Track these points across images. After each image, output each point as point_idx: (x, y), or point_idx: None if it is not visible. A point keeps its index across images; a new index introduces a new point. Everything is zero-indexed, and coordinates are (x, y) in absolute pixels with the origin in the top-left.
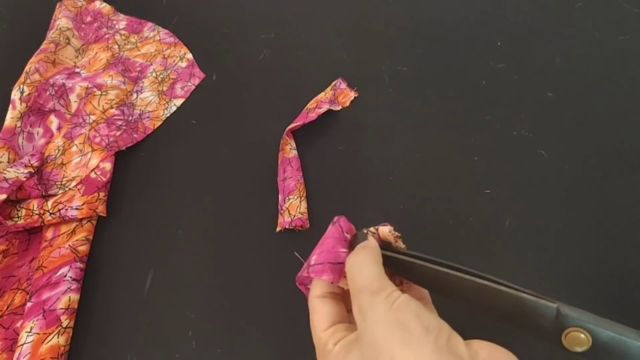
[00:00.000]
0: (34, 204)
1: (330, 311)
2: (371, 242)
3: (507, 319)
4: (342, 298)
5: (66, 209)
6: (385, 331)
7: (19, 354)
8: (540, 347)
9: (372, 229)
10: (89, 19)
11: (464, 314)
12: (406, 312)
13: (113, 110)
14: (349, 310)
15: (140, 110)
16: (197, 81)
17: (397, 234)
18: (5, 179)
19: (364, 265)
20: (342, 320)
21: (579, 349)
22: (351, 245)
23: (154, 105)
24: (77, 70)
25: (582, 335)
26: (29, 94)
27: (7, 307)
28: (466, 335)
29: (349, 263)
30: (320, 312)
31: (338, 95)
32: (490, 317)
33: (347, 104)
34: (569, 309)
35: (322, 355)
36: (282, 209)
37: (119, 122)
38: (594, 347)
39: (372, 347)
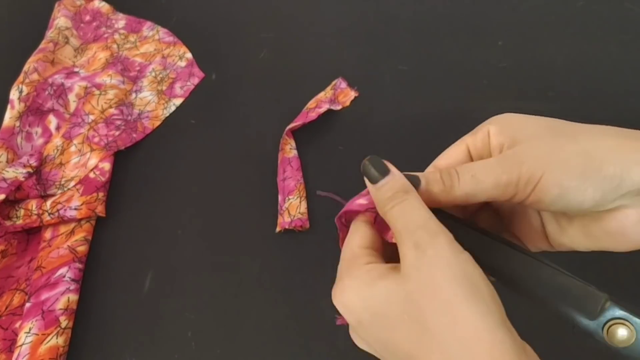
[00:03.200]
0: (33, 204)
1: (372, 235)
2: (405, 180)
3: (551, 302)
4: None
5: (65, 209)
6: (451, 277)
7: (18, 354)
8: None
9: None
10: (87, 18)
11: None
12: (476, 269)
13: (112, 110)
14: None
15: (139, 109)
16: (196, 81)
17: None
18: (4, 179)
19: (417, 206)
20: (377, 248)
21: (621, 344)
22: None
23: (153, 105)
24: (76, 69)
25: (627, 328)
26: (28, 93)
27: (6, 308)
28: None
29: (398, 206)
30: (364, 231)
31: (338, 94)
32: (531, 299)
33: (348, 103)
34: (617, 300)
35: (349, 265)
36: (282, 209)
37: (118, 122)
38: (637, 343)
39: (425, 286)
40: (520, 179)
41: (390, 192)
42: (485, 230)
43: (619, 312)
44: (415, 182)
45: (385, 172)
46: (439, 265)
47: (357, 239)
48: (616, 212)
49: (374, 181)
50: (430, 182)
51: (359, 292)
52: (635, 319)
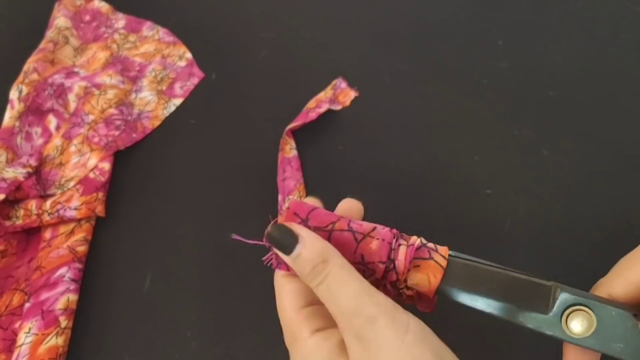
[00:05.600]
0: (32, 204)
1: (302, 290)
2: (323, 243)
3: (502, 302)
4: None
5: (64, 209)
6: None
7: (18, 354)
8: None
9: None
10: (87, 18)
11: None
12: (425, 348)
13: (112, 110)
14: None
15: (139, 109)
16: (196, 80)
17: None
18: (4, 179)
19: (343, 280)
20: (315, 302)
21: (582, 333)
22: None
23: (153, 105)
24: (76, 69)
25: (586, 315)
26: (28, 93)
27: (6, 308)
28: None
29: (322, 284)
30: (290, 290)
31: (338, 94)
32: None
33: (348, 103)
34: (566, 287)
35: (294, 343)
36: (281, 209)
37: (118, 122)
38: (599, 329)
39: None
40: None
41: (309, 267)
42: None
43: (572, 298)
44: None
45: (294, 240)
46: (385, 358)
47: (288, 301)
48: None
49: (286, 252)
50: None
51: None
52: (592, 301)
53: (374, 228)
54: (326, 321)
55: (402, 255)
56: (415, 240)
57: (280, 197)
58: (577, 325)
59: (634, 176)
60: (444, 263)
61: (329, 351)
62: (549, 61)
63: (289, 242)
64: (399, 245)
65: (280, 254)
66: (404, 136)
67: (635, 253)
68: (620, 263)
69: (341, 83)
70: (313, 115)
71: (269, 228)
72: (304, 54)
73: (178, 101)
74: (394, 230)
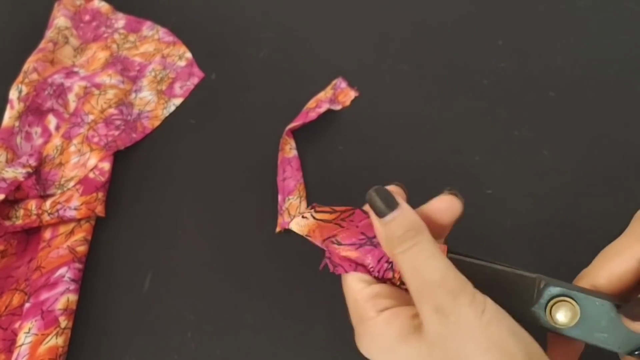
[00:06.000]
0: (32, 204)
1: (363, 275)
2: (416, 217)
3: (488, 295)
4: None
5: (64, 209)
6: (478, 346)
7: (17, 354)
8: None
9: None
10: (87, 17)
11: None
12: (502, 328)
13: (111, 110)
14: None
15: (139, 109)
16: (196, 80)
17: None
18: (3, 179)
19: (431, 253)
20: (380, 282)
21: (566, 324)
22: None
23: (153, 105)
24: (76, 69)
25: (570, 305)
26: (27, 93)
27: (6, 308)
28: None
29: (409, 251)
30: (353, 275)
31: (338, 94)
32: None
33: (348, 103)
34: (551, 279)
35: (364, 321)
36: (281, 209)
37: (118, 122)
38: (583, 319)
39: (451, 358)
40: None
41: (400, 231)
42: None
43: (557, 290)
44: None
45: (393, 206)
46: (465, 334)
47: (355, 282)
48: None
49: (381, 215)
50: None
51: (382, 353)
52: (576, 292)
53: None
54: (392, 301)
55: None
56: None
57: (280, 197)
58: (562, 315)
59: (634, 176)
60: None
61: (400, 327)
62: (549, 61)
63: (389, 205)
64: None
65: (373, 215)
66: (404, 136)
67: (617, 244)
68: (603, 253)
69: (341, 83)
70: (313, 115)
71: (370, 190)
72: (304, 54)
73: (178, 101)
74: None
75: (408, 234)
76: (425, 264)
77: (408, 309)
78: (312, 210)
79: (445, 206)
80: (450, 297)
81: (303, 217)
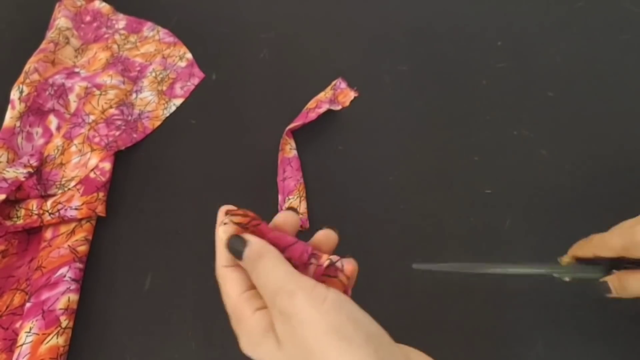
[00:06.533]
0: (33, 204)
1: (242, 277)
2: (262, 244)
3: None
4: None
5: (65, 209)
6: (320, 334)
7: (18, 354)
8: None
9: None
10: (88, 18)
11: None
12: (341, 314)
13: (112, 110)
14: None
15: (139, 110)
16: (196, 81)
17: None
18: (5, 179)
19: (270, 266)
20: (255, 287)
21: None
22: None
23: (154, 105)
24: (77, 70)
25: None
26: (28, 93)
27: (7, 308)
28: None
29: (254, 272)
30: (232, 278)
31: (338, 94)
32: None
33: (347, 103)
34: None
35: (240, 322)
36: (281, 209)
37: (118, 122)
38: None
39: (300, 351)
40: None
41: (251, 259)
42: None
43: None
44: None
45: (243, 245)
46: (307, 326)
47: (232, 288)
48: None
49: (240, 257)
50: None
51: (253, 350)
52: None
53: (294, 243)
54: (264, 302)
55: (311, 274)
56: (325, 260)
57: (280, 197)
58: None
59: (633, 176)
60: (346, 281)
61: (266, 326)
62: (548, 62)
63: (240, 247)
64: (310, 264)
65: (238, 261)
66: (404, 136)
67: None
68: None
69: (341, 83)
70: (313, 116)
71: (226, 242)
72: (303, 54)
73: (178, 101)
74: (309, 249)
75: (254, 262)
76: (267, 278)
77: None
78: (229, 215)
79: (283, 220)
80: (288, 299)
81: (224, 224)
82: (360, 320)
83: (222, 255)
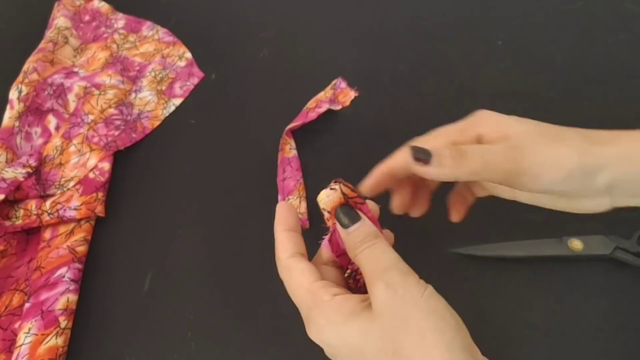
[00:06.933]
0: (32, 204)
1: (310, 267)
2: (378, 233)
3: None
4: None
5: (64, 209)
6: (420, 312)
7: (17, 354)
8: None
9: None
10: (87, 18)
11: None
12: (439, 302)
13: (111, 110)
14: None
15: (138, 109)
16: (196, 80)
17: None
18: (3, 179)
19: (385, 249)
20: (328, 279)
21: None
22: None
23: (153, 105)
24: (76, 69)
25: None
26: (27, 93)
27: (6, 308)
28: None
29: (368, 249)
30: (301, 268)
31: (338, 94)
32: None
33: (347, 103)
34: None
35: (317, 307)
36: None
37: (118, 122)
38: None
39: (399, 322)
40: (524, 170)
41: (361, 237)
42: None
43: None
44: (426, 156)
45: (356, 219)
46: (410, 303)
47: (303, 278)
48: (585, 197)
49: (345, 227)
50: (442, 157)
51: (335, 331)
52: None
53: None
54: (342, 289)
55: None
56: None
57: (280, 197)
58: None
59: None
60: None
61: (352, 306)
62: (548, 61)
63: (352, 220)
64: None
65: (339, 226)
66: (404, 136)
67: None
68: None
69: (341, 83)
70: (313, 115)
71: (337, 209)
72: (303, 54)
73: (178, 101)
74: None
75: (367, 238)
76: (380, 256)
77: (357, 296)
78: (340, 184)
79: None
80: (400, 275)
81: (331, 189)
82: (452, 312)
83: (285, 246)
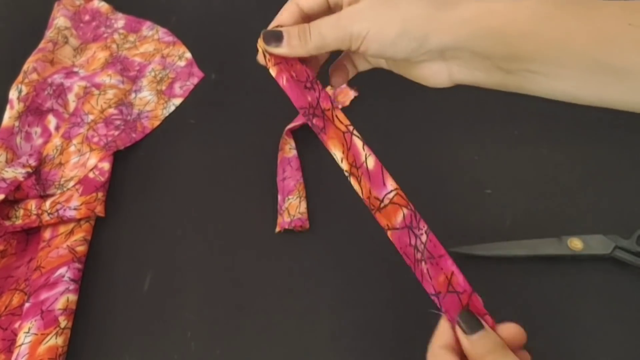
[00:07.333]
0: (32, 204)
1: (453, 336)
2: (504, 345)
3: None
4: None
5: (64, 209)
6: None
7: (17, 354)
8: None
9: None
10: (87, 17)
11: None
12: None
13: (111, 110)
14: None
15: (138, 109)
16: (195, 80)
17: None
18: (3, 179)
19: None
20: (459, 350)
21: None
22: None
23: (153, 105)
24: (75, 69)
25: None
26: (27, 93)
27: (5, 308)
28: None
29: (489, 354)
30: (444, 332)
31: (338, 94)
32: None
33: (347, 103)
34: None
35: None
36: (281, 209)
37: (118, 122)
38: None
39: None
40: (352, 35)
41: (484, 350)
42: None
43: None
44: (278, 36)
45: (477, 328)
46: None
47: (439, 338)
48: (422, 63)
49: (467, 333)
50: (291, 37)
51: None
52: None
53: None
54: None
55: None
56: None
57: (280, 197)
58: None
59: (634, 175)
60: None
61: None
62: None
63: (473, 326)
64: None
65: (459, 331)
66: (404, 136)
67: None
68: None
69: None
70: None
71: (461, 312)
72: None
73: (178, 101)
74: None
75: (496, 349)
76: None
77: None
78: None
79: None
80: None
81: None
82: None
83: (443, 336)
